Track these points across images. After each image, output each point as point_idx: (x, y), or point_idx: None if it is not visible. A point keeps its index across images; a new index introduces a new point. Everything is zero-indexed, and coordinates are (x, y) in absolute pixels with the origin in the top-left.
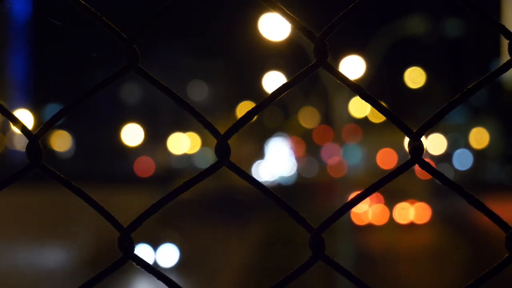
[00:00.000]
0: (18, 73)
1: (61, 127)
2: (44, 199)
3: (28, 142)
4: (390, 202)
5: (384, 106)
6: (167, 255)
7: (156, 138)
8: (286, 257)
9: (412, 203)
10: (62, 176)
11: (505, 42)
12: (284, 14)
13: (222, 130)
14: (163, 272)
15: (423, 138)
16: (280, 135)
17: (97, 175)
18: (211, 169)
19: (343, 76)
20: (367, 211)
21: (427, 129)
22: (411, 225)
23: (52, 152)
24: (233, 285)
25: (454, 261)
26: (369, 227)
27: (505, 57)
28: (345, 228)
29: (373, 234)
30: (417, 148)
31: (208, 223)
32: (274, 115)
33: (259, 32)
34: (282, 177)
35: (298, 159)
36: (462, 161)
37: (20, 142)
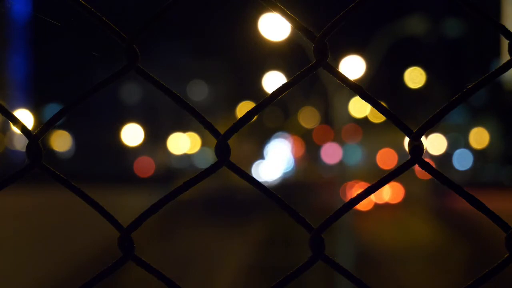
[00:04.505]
0: (18, 73)
1: (61, 127)
2: (44, 199)
3: (28, 142)
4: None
5: (384, 106)
6: None
7: (156, 138)
8: (286, 257)
9: None
10: (62, 176)
11: (505, 42)
12: (284, 14)
13: (222, 130)
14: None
15: (423, 138)
16: (280, 135)
17: (97, 175)
18: (211, 169)
19: (343, 76)
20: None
21: (427, 129)
22: (389, 206)
23: (52, 152)
24: (233, 285)
25: (454, 261)
26: (356, 212)
27: (505, 57)
28: (345, 228)
29: (364, 222)
30: (417, 148)
31: (208, 223)
32: (274, 115)
33: (259, 32)
34: (283, 176)
35: (297, 159)
36: (462, 161)
37: (20, 142)
